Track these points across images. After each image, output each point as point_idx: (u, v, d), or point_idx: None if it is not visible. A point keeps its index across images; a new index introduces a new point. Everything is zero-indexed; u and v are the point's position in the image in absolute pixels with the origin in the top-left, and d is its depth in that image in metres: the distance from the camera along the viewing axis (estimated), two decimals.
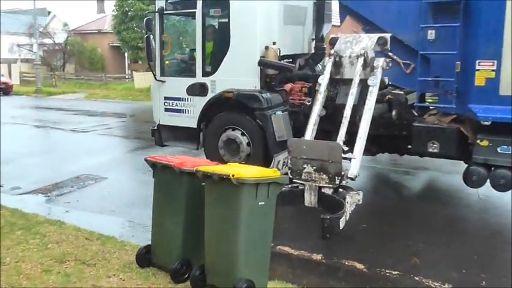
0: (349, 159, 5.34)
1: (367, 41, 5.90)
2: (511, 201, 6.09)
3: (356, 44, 5.94)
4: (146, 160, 4.30)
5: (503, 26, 5.37)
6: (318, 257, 4.80)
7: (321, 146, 5.37)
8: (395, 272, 4.46)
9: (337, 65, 6.00)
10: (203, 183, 3.72)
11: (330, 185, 5.15)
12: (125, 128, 13.73)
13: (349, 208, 4.98)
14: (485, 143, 5.72)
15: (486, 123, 5.64)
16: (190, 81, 7.37)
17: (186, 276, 3.99)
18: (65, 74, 33.37)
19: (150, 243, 4.35)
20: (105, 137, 11.67)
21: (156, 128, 7.92)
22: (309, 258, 4.76)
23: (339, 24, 7.61)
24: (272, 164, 6.70)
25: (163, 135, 7.84)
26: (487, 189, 5.84)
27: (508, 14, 5.33)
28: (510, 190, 5.68)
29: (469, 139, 5.98)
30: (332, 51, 6.08)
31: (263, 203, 3.54)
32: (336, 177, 5.09)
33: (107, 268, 4.23)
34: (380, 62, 5.85)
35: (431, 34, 5.96)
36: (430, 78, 6.07)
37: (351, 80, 5.77)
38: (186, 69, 7.81)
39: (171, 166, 4.00)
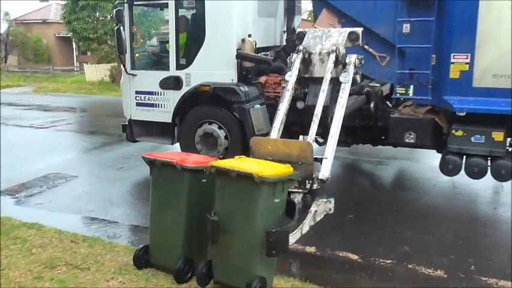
0: (320, 160, 4.57)
1: (338, 36, 5.44)
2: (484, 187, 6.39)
3: (326, 39, 5.45)
4: (144, 158, 4.16)
5: (476, 20, 5.59)
6: (311, 249, 4.85)
7: (290, 145, 4.50)
8: (389, 261, 4.59)
9: (306, 63, 5.44)
10: (204, 180, 3.65)
11: (300, 190, 4.32)
12: (86, 123, 13.23)
13: (312, 218, 4.20)
14: (460, 133, 5.96)
15: (461, 114, 5.88)
16: (164, 74, 7.18)
17: (189, 275, 3.91)
18: (8, 67, 31.65)
19: (146, 243, 4.23)
20: (66, 133, 11.18)
21: (127, 123, 7.67)
22: (303, 252, 4.79)
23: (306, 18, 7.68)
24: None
25: (134, 130, 7.62)
26: (460, 176, 6.12)
27: (481, 7, 5.55)
28: (483, 177, 5.97)
29: (444, 129, 6.23)
30: (300, 47, 5.46)
31: (278, 200, 3.52)
32: (306, 181, 4.33)
33: (103, 272, 4.08)
34: (352, 58, 5.32)
35: (406, 28, 6.11)
36: (406, 71, 6.25)
37: (321, 79, 5.20)
38: (158, 62, 7.61)
39: (172, 163, 3.88)
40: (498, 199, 6.51)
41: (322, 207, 4.33)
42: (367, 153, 8.38)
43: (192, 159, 3.98)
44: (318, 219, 4.28)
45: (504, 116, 5.72)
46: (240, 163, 3.80)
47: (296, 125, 7.14)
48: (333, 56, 5.26)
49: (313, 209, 4.23)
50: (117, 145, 9.16)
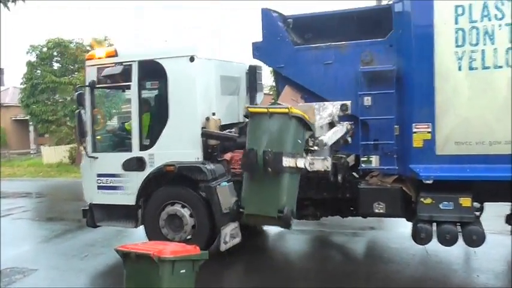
0: None
1: (332, 108, 6.20)
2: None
3: (323, 110, 6.18)
4: (117, 251, 3.86)
5: (433, 91, 5.81)
6: None
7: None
8: None
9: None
10: (182, 271, 3.40)
11: None
12: (45, 209, 12.56)
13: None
14: (428, 200, 5.98)
15: (428, 182, 5.93)
16: (126, 156, 7.04)
17: None
18: None
19: None
20: (23, 222, 10.49)
21: (87, 208, 7.33)
22: None
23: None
24: (219, 236, 6.45)
25: (96, 215, 7.28)
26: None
27: (436, 80, 5.79)
28: (455, 243, 5.92)
29: (412, 197, 6.23)
30: None
31: None
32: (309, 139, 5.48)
33: None
34: (345, 125, 6.37)
35: (367, 100, 6.30)
36: (370, 142, 6.34)
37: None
38: (121, 143, 7.48)
39: (148, 255, 3.62)
40: (477, 266, 6.41)
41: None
42: (340, 225, 8.22)
43: (170, 249, 3.74)
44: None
45: (470, 181, 5.81)
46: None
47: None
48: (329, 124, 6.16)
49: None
50: (80, 232, 8.64)
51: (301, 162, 5.32)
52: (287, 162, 5.20)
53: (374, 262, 6.74)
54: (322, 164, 5.67)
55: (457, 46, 5.64)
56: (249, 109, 5.74)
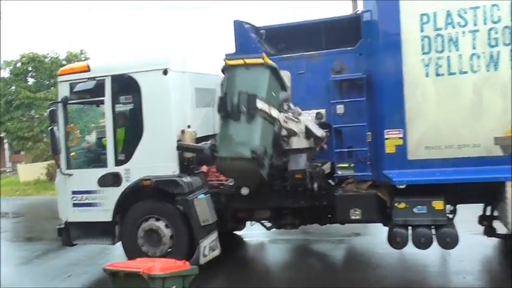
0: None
1: (308, 117, 6.42)
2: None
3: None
4: (105, 270, 3.81)
5: (403, 98, 5.93)
6: None
7: None
8: None
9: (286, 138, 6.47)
10: (173, 287, 3.39)
11: None
12: (23, 229, 12.27)
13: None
14: (402, 205, 6.09)
15: (401, 186, 6.03)
16: (102, 171, 6.98)
17: None
18: None
19: None
20: (1, 243, 10.20)
21: (63, 226, 7.23)
22: None
23: None
24: (198, 249, 6.43)
25: (72, 233, 7.18)
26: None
27: (406, 87, 5.91)
28: (430, 246, 6.02)
29: (387, 203, 6.33)
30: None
31: None
32: None
33: None
34: (320, 132, 6.51)
35: (340, 109, 6.43)
36: (344, 149, 6.43)
37: (298, 149, 6.39)
38: (96, 159, 7.41)
39: (137, 273, 3.58)
40: (462, 268, 6.45)
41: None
42: (326, 233, 8.21)
43: (160, 266, 3.72)
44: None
45: (441, 185, 5.94)
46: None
47: (243, 211, 7.11)
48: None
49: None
50: (62, 251, 8.44)
51: (275, 112, 5.46)
52: (261, 105, 5.35)
53: (362, 268, 6.75)
54: (296, 126, 5.90)
55: (424, 53, 5.79)
56: (226, 61, 5.82)
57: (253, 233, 8.06)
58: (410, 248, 6.14)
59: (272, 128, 5.67)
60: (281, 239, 8.34)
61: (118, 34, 45.01)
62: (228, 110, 5.55)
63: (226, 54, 6.94)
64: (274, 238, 8.50)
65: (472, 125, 5.74)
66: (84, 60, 22.92)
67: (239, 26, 6.83)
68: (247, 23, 7.02)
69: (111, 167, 6.93)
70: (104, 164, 7.03)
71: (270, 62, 5.60)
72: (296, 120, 6.11)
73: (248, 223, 7.85)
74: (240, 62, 5.67)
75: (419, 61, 5.81)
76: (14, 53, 27.78)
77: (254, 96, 5.37)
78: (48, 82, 21.23)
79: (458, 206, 6.46)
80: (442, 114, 5.83)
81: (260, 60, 5.57)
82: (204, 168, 7.06)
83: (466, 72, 5.69)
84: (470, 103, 5.73)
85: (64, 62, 20.37)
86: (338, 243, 8.08)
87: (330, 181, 6.90)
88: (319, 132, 6.50)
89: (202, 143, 7.10)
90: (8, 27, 38.13)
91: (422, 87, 5.85)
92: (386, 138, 6.05)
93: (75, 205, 7.11)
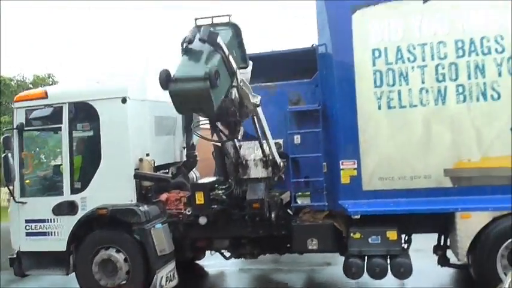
0: None
1: (265, 148, 6.38)
2: None
3: (257, 149, 6.52)
4: None
5: (357, 130, 6.07)
6: None
7: None
8: None
9: (244, 167, 6.54)
10: None
11: None
12: None
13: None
14: (357, 235, 6.16)
15: (356, 217, 6.11)
16: (57, 200, 6.83)
17: None
18: None
19: None
20: None
21: (15, 256, 7.01)
22: None
23: None
24: (154, 280, 6.34)
25: (24, 263, 6.96)
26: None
27: (359, 120, 6.06)
28: (385, 276, 6.08)
29: (343, 233, 6.39)
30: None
31: None
32: None
33: None
34: (279, 160, 6.57)
35: (297, 139, 6.51)
36: (301, 179, 6.50)
37: (256, 179, 6.47)
38: (51, 187, 7.23)
39: None
40: None
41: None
42: (296, 262, 8.08)
43: None
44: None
45: (395, 215, 6.04)
46: None
47: (201, 241, 7.06)
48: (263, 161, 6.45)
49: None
50: (27, 280, 8.04)
51: (232, 61, 5.43)
52: (222, 44, 5.26)
53: None
54: (252, 98, 5.90)
55: (376, 87, 5.97)
56: (195, 21, 5.69)
57: (222, 262, 7.92)
58: (388, 278, 6.16)
59: (229, 78, 5.53)
60: (250, 268, 8.21)
61: (118, 34, 44.79)
62: (189, 47, 5.39)
63: None
64: (244, 267, 8.36)
65: (423, 157, 5.92)
66: (51, 84, 22.69)
67: None
68: None
69: (67, 195, 6.81)
70: (59, 192, 6.90)
71: (234, 22, 5.67)
72: (252, 95, 6.05)
73: (208, 252, 7.78)
74: (208, 21, 5.66)
75: (372, 94, 5.99)
76: None
77: (216, 34, 5.28)
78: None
79: (418, 236, 6.55)
80: (394, 146, 5.99)
81: (226, 19, 5.62)
82: (164, 196, 7.00)
83: (416, 106, 5.89)
84: (420, 136, 5.91)
85: (30, 86, 20.04)
86: (309, 272, 7.98)
87: (288, 211, 6.94)
88: (278, 159, 6.56)
89: (161, 171, 7.08)
90: None
91: (375, 119, 6.02)
92: (342, 169, 6.16)
93: (28, 234, 6.92)
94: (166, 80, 5.20)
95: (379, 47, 5.96)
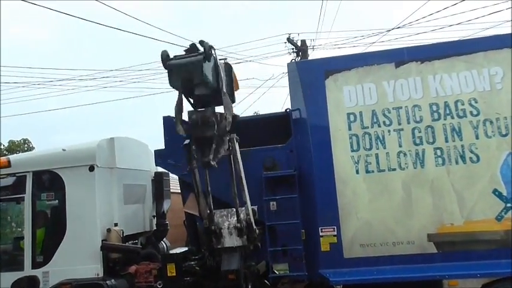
0: None
1: (241, 214, 6.08)
2: None
3: (231, 217, 6.21)
4: None
5: (335, 195, 5.88)
6: None
7: None
8: None
9: (218, 237, 6.16)
10: None
11: None
12: None
13: None
14: None
15: (338, 287, 5.78)
16: (17, 275, 6.38)
17: None
18: None
19: None
20: None
21: None
22: None
23: None
24: None
25: None
26: None
27: (337, 183, 5.89)
28: None
29: None
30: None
31: None
32: None
33: None
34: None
35: (273, 205, 6.25)
36: (279, 248, 6.18)
37: (231, 248, 6.04)
38: (10, 261, 6.75)
39: None
40: None
41: None
42: None
43: None
44: None
45: (380, 283, 5.73)
46: None
47: None
48: (238, 229, 6.06)
49: None
50: None
51: (222, 71, 5.58)
52: (215, 54, 5.50)
53: None
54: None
55: (353, 150, 5.87)
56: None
57: None
58: None
59: (216, 76, 5.59)
60: None
61: (118, 35, 44.46)
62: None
63: (155, 150, 6.79)
64: None
65: (404, 222, 5.73)
66: (26, 150, 22.15)
67: (168, 121, 6.49)
68: None
69: (27, 270, 6.39)
70: (20, 267, 6.45)
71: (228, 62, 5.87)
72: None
73: None
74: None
75: (349, 158, 5.87)
76: None
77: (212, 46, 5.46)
78: None
79: None
80: (374, 212, 5.81)
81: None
82: (133, 268, 6.58)
83: (394, 170, 5.78)
84: (401, 200, 5.75)
85: (5, 152, 19.54)
86: None
87: (265, 281, 6.55)
88: (253, 218, 6.19)
89: (130, 242, 6.69)
90: None
91: (353, 184, 5.86)
92: (321, 236, 5.91)
93: None
94: (166, 59, 5.51)
95: (354, 111, 5.92)
